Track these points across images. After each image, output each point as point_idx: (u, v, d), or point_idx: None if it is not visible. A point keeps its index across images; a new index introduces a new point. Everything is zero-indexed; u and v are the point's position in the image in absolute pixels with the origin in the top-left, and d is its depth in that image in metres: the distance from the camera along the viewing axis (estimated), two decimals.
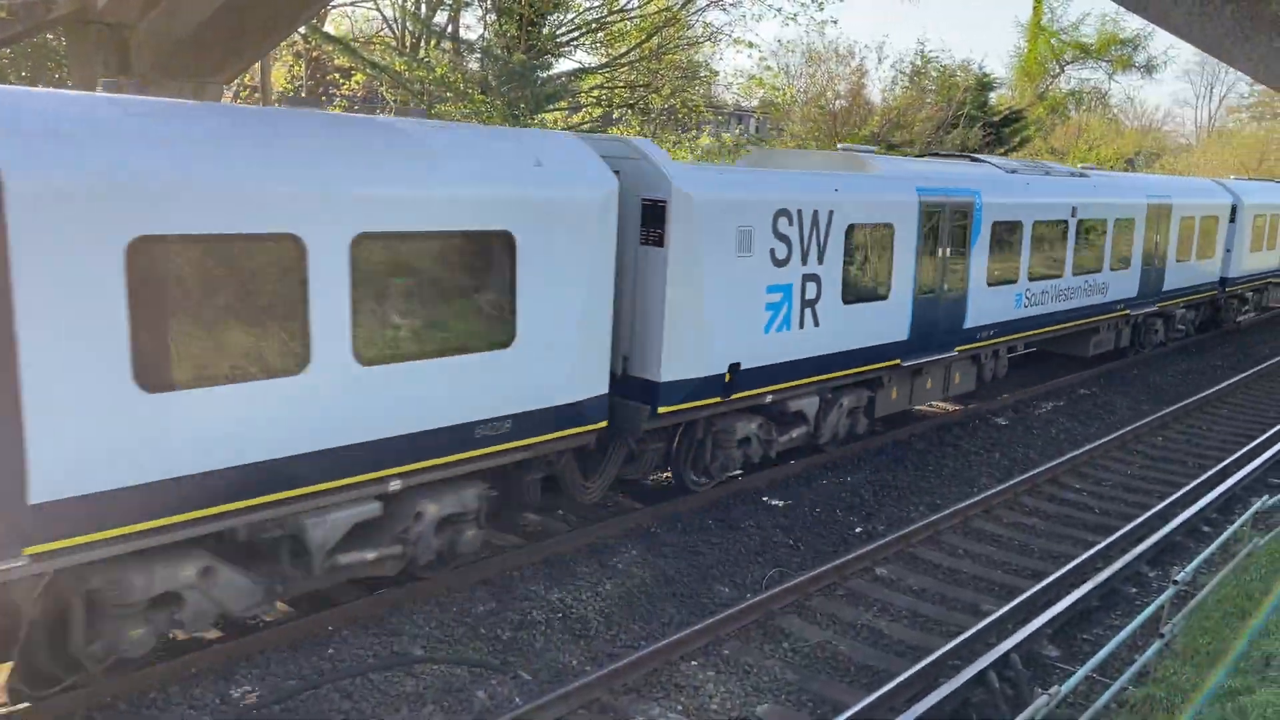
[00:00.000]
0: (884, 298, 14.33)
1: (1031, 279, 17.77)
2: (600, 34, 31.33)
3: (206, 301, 7.42)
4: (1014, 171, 18.05)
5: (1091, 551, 11.35)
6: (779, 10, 44.99)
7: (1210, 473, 14.44)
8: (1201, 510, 12.67)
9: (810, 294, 13.01)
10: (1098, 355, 21.52)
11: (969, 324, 16.36)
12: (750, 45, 47.11)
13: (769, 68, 36.53)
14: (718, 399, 12.06)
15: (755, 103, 39.76)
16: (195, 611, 7.97)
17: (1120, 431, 16.70)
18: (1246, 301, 28.65)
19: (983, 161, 18.41)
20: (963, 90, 39.88)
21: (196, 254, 7.34)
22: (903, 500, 13.50)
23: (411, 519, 9.26)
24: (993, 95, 45.03)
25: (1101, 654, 8.00)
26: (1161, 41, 69.48)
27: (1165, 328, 24.23)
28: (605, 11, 31.25)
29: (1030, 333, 18.33)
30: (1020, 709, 7.14)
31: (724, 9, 35.42)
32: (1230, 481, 13.73)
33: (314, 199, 7.97)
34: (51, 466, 6.80)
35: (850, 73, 38.63)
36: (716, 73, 37.20)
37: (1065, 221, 18.55)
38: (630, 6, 31.83)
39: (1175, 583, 8.79)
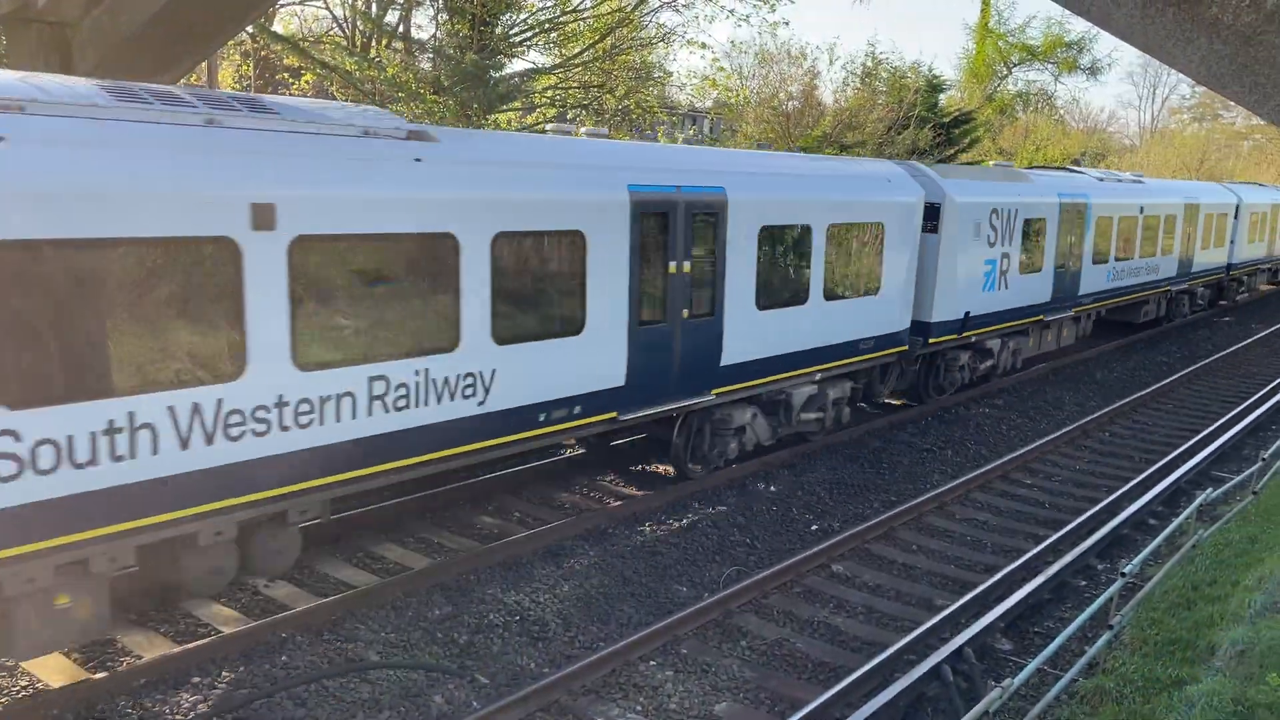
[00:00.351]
0: (1039, 271, 19.91)
1: (1116, 260, 23.31)
2: (554, 34, 31.23)
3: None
4: (1102, 180, 23.38)
5: (1042, 545, 11.53)
6: (731, 12, 45.16)
7: (1156, 467, 14.73)
8: (1148, 504, 12.92)
9: (1004, 267, 18.48)
10: (1142, 323, 27.09)
11: (1081, 292, 21.97)
12: (703, 46, 47.12)
13: (722, 69, 36.65)
14: (955, 335, 17.66)
15: (709, 104, 39.89)
16: (759, 430, 14.11)
17: (1069, 428, 16.98)
18: (1243, 284, 35.04)
19: (1081, 172, 24.06)
20: (913, 92, 40.30)
21: None
22: (858, 498, 13.62)
23: (826, 397, 15.00)
24: (942, 97, 45.55)
25: (1052, 646, 8.14)
26: (1106, 44, 70.79)
27: (1189, 302, 30.14)
28: (559, 12, 31.16)
29: (1111, 301, 23.90)
30: (974, 702, 7.23)
31: (677, 10, 35.55)
32: (1175, 475, 14.02)
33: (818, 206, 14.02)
34: None
35: (802, 74, 38.89)
36: (670, 74, 37.32)
37: (1136, 217, 24.08)
38: (583, 7, 31.76)
39: (1123, 575, 8.96)
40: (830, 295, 14.48)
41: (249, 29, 26.27)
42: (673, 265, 11.91)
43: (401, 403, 9.18)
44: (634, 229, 11.32)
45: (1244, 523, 11.71)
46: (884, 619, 10.05)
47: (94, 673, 8.12)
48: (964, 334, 17.80)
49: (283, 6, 31.38)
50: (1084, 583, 10.95)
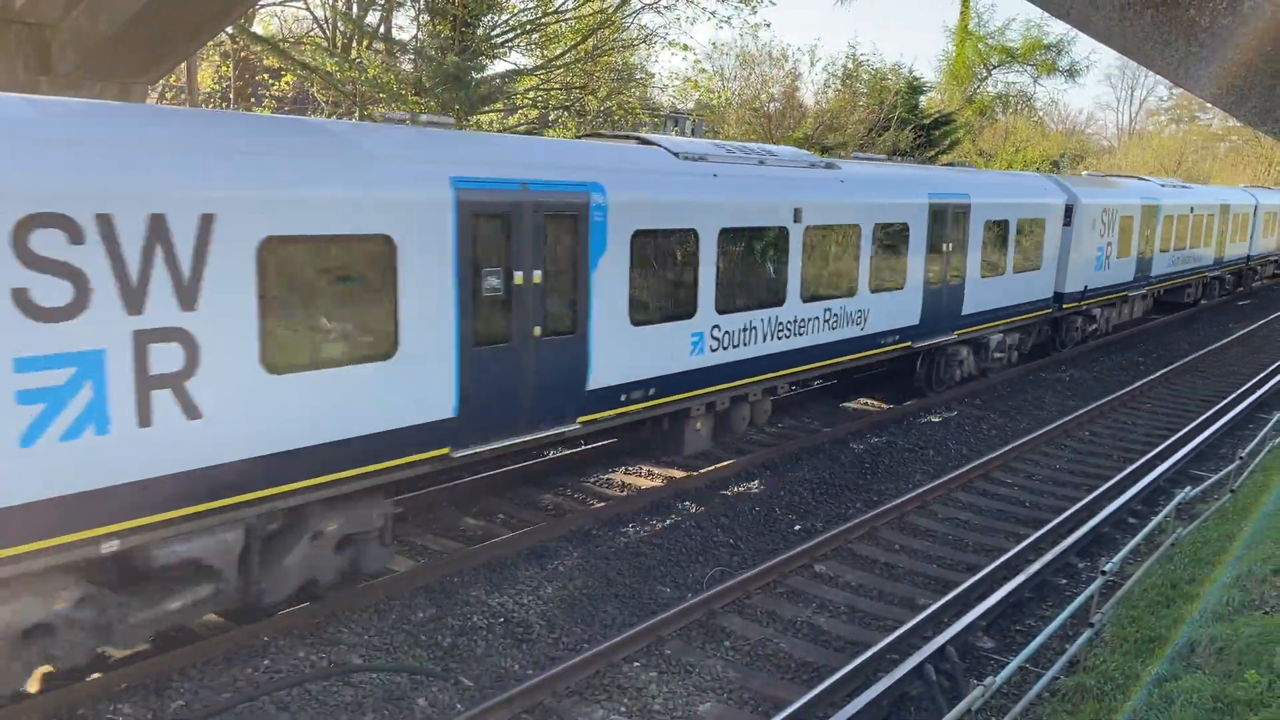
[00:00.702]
0: (1128, 257, 25.41)
1: (1175, 250, 29.06)
2: (535, 35, 31.21)
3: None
4: (1163, 185, 29.39)
5: (1023, 544, 11.59)
6: (713, 14, 45.25)
7: (1135, 466, 14.85)
8: (1127, 502, 13.02)
9: (1107, 253, 24.12)
10: (1185, 303, 32.75)
11: (1152, 274, 27.64)
12: (685, 48, 47.20)
13: (704, 70, 36.73)
14: (1078, 304, 23.22)
15: (691, 105, 39.95)
16: (970, 362, 18.13)
17: (1049, 427, 17.09)
18: (1256, 273, 41.17)
19: (1148, 180, 29.89)
20: (894, 93, 40.51)
21: None
22: (840, 498, 13.67)
23: (991, 351, 19.99)
24: (923, 98, 45.81)
25: (1034, 644, 8.19)
26: (1084, 47, 71.24)
27: (1219, 286, 35.74)
28: (540, 13, 31.14)
29: (1170, 282, 29.62)
30: (956, 701, 7.27)
31: (659, 11, 35.52)
32: (1154, 474, 14.13)
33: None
34: None
35: (784, 75, 39.03)
36: (652, 75, 37.33)
37: (1188, 215, 29.95)
38: (565, 8, 31.76)
39: (1104, 573, 9.03)
40: (1018, 269, 20.33)
41: (229, 30, 26.11)
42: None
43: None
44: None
45: (1222, 521, 11.82)
46: (867, 618, 10.09)
47: (75, 677, 8.05)
48: (1082, 303, 23.51)
49: (263, 7, 31.23)
50: (1064, 581, 11.02)
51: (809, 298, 14.47)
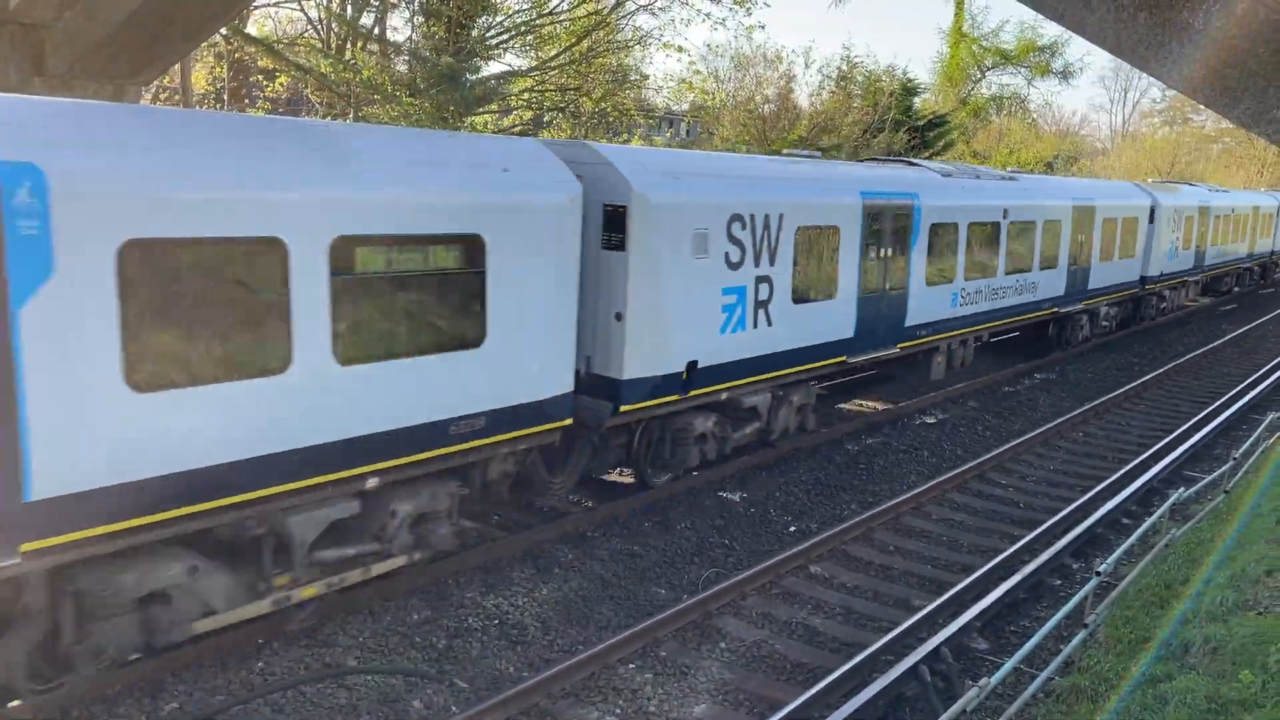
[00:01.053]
0: (1189, 249, 30.41)
1: (1221, 244, 34.31)
2: (530, 37, 31.22)
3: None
4: (1210, 190, 34.38)
5: (1018, 545, 11.61)
6: (707, 15, 45.30)
7: (1129, 466, 14.88)
8: (1122, 503, 13.05)
9: (1177, 245, 29.23)
10: (1223, 290, 37.79)
11: (1205, 263, 32.67)
12: (680, 49, 47.33)
13: (698, 72, 36.78)
14: (1154, 286, 28.37)
15: (686, 106, 39.97)
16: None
17: (1043, 428, 17.12)
18: (1279, 266, 46.01)
19: (1195, 186, 35.12)
20: (888, 95, 40.56)
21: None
22: (835, 499, 13.67)
23: (1099, 319, 24.89)
24: (917, 100, 45.88)
25: (1029, 645, 8.20)
26: (1078, 48, 71.47)
27: (1249, 277, 40.43)
28: (535, 15, 31.15)
29: (1214, 271, 34.64)
30: (952, 701, 7.28)
31: (653, 13, 35.62)
32: (1148, 475, 14.16)
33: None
34: None
35: (778, 77, 39.07)
36: (647, 76, 37.32)
37: (1230, 215, 35.03)
38: (560, 10, 31.76)
39: (1098, 574, 9.05)
40: (1105, 257, 24.48)
41: (223, 31, 26.06)
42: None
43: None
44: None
45: (1216, 521, 11.84)
46: (862, 619, 10.10)
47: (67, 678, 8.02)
48: (1159, 285, 28.56)
49: (257, 8, 31.17)
50: (1059, 582, 11.04)
51: (1010, 270, 20.04)
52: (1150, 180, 35.02)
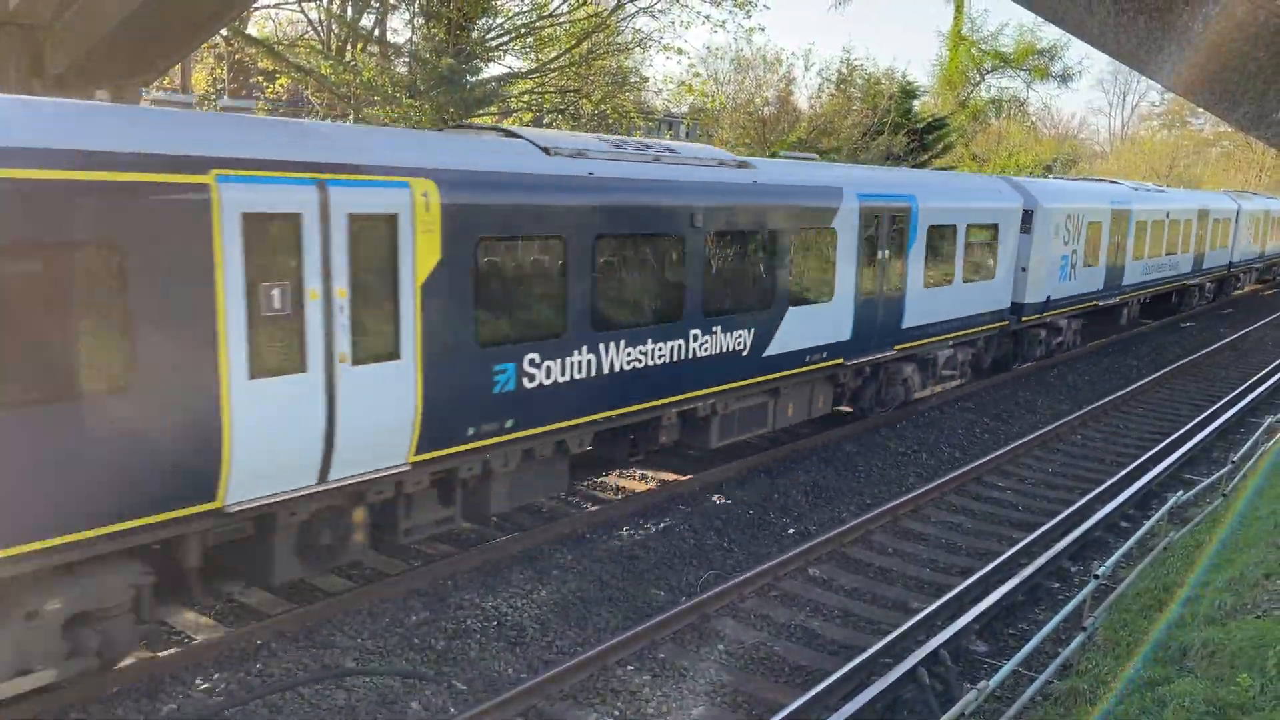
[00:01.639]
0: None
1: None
2: (530, 39, 31.23)
3: None
4: (1253, 195, 40.15)
5: (1016, 548, 11.61)
6: (707, 17, 45.26)
7: (1127, 469, 14.88)
8: (1120, 506, 13.05)
9: (1250, 240, 38.50)
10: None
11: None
12: (679, 52, 47.39)
13: (698, 74, 36.79)
14: (1224, 273, 36.80)
15: (685, 109, 39.99)
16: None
17: (1041, 431, 17.13)
18: (1269, 271, 47.32)
19: (1250, 195, 41.26)
20: (887, 98, 40.58)
21: None
22: (834, 501, 13.67)
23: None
24: (916, 103, 45.88)
25: (1027, 648, 8.20)
26: (1077, 51, 71.59)
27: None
28: (535, 16, 31.16)
29: (1266, 263, 42.31)
30: (950, 704, 7.28)
31: (653, 15, 35.61)
32: (1146, 478, 14.15)
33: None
34: None
35: (778, 79, 39.08)
36: (646, 78, 37.36)
37: (1261, 218, 40.11)
38: (560, 12, 31.78)
39: (1096, 577, 9.04)
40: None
41: (223, 32, 26.06)
42: None
43: None
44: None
45: (1214, 525, 11.84)
46: (860, 622, 10.10)
47: (66, 680, 8.02)
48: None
49: (258, 9, 31.17)
50: (1057, 585, 11.04)
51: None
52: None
